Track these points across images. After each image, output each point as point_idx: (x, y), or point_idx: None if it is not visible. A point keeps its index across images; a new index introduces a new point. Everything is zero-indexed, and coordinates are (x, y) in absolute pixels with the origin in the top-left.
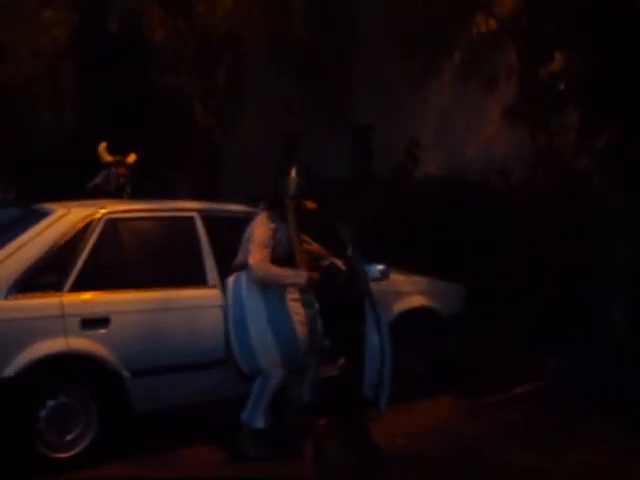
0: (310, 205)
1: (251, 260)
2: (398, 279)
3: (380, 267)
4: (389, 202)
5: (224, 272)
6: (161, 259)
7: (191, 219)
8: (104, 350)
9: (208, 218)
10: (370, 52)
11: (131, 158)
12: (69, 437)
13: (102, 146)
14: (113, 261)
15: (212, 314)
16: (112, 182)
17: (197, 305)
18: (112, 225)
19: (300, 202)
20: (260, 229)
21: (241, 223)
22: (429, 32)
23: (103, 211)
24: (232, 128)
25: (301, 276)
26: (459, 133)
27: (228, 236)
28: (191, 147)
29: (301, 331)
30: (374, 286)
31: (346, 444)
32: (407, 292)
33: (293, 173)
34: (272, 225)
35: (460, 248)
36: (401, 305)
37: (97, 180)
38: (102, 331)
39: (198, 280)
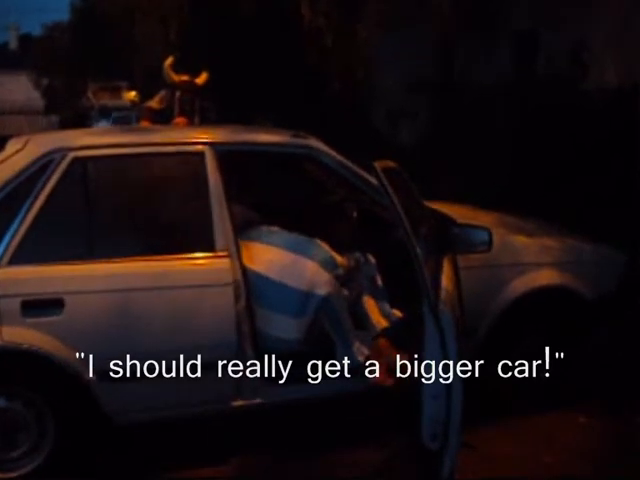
0: None
1: None
2: (521, 243)
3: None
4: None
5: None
6: (148, 217)
7: (199, 156)
8: (56, 344)
9: (226, 154)
10: None
11: (201, 79)
12: (16, 453)
13: (168, 62)
14: (76, 220)
15: (217, 295)
16: (174, 108)
17: (195, 283)
18: (80, 167)
19: None
20: None
21: (276, 161)
22: None
23: (69, 146)
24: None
25: None
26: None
27: (254, 180)
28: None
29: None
30: (476, 259)
31: None
32: (533, 263)
33: None
34: None
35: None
36: (521, 284)
37: (152, 103)
38: (53, 318)
39: (201, 246)
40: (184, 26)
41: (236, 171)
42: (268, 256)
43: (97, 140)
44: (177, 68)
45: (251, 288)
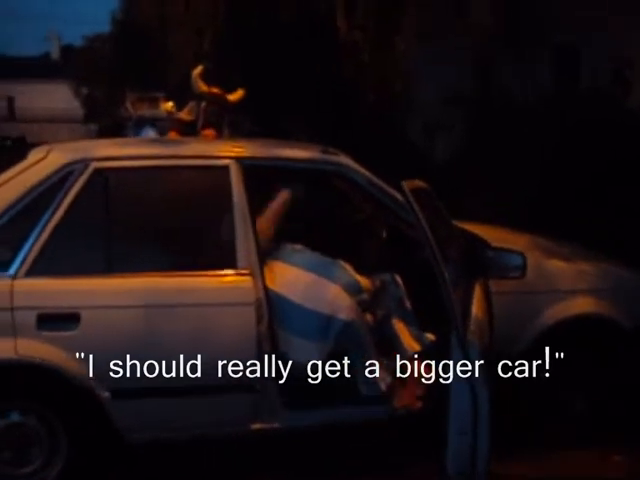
0: None
1: None
2: (556, 268)
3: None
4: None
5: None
6: (169, 231)
7: (224, 170)
8: (69, 359)
9: (252, 169)
10: None
11: (235, 96)
12: (28, 469)
13: (197, 71)
14: (96, 233)
15: (238, 315)
16: (199, 120)
17: (216, 301)
18: (101, 179)
19: None
20: None
21: (304, 177)
22: None
23: (91, 156)
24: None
25: None
26: None
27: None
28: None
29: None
30: (509, 284)
31: None
32: (569, 290)
33: None
34: None
35: None
36: (555, 312)
37: (181, 114)
38: (68, 333)
39: (223, 263)
40: (218, 36)
41: (262, 187)
42: (290, 277)
43: (119, 151)
44: (209, 79)
45: (272, 309)
